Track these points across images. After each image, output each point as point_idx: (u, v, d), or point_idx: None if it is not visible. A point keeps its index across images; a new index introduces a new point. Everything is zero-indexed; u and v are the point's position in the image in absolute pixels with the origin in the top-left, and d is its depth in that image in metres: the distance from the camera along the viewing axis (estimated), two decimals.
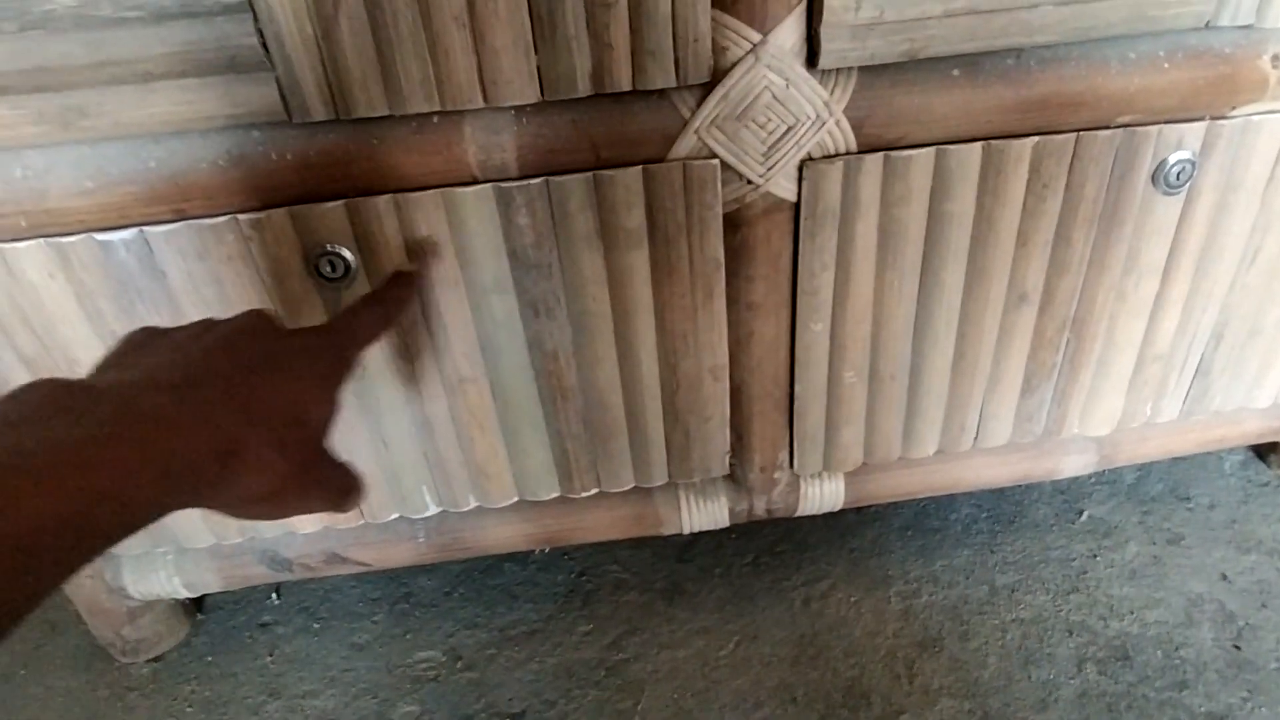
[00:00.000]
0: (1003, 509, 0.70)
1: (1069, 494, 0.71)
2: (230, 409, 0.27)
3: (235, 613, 0.67)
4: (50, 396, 0.24)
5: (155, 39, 0.40)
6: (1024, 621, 0.61)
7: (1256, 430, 0.65)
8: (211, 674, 0.63)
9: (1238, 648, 0.58)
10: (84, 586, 0.61)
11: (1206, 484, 0.71)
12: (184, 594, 0.62)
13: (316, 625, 0.65)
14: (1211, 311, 0.57)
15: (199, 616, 0.67)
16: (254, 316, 0.34)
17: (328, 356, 0.33)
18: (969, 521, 0.69)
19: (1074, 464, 0.64)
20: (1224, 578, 0.63)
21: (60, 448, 0.22)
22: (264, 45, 0.41)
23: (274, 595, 0.68)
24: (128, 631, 0.64)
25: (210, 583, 0.61)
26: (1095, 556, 0.65)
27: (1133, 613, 0.61)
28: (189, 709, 0.61)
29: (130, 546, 0.59)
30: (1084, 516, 0.69)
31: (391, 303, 0.40)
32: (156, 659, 0.65)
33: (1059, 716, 0.55)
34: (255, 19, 0.40)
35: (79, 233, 0.44)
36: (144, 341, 0.32)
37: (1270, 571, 0.63)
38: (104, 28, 0.39)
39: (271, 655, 0.64)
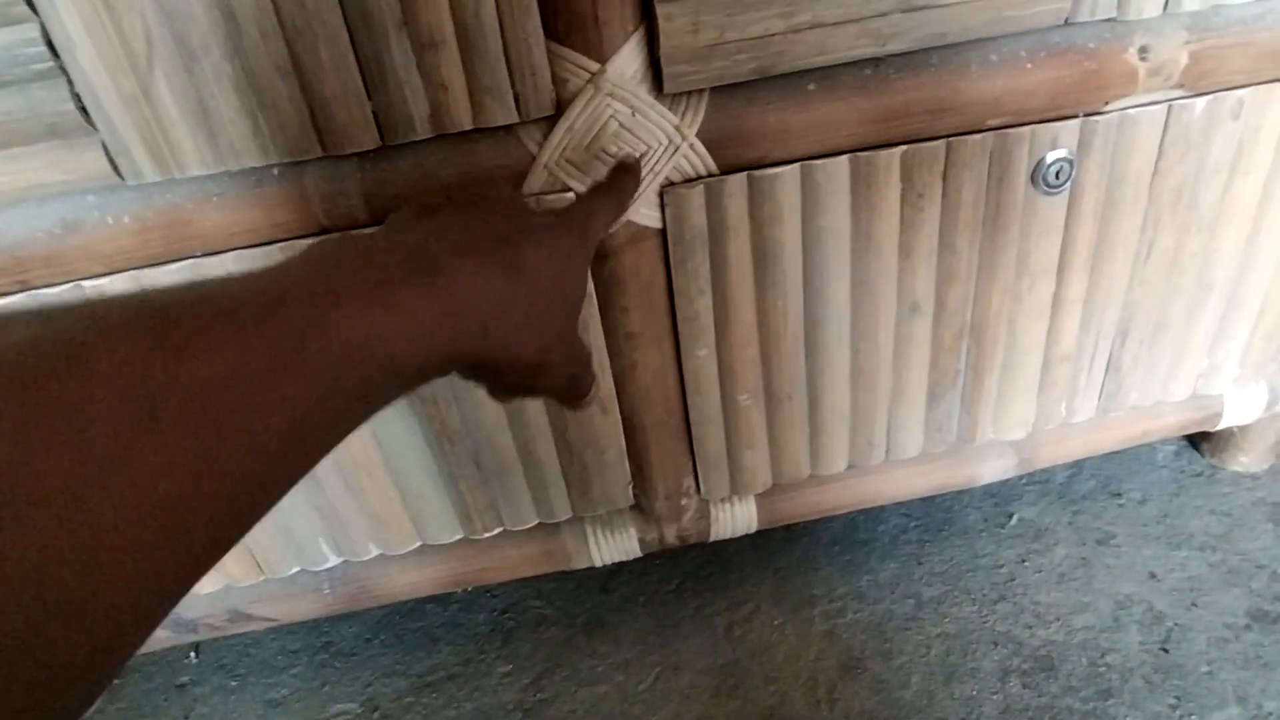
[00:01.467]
0: (932, 517, 0.68)
1: (999, 496, 0.69)
2: (504, 270, 0.28)
3: (152, 674, 0.65)
4: (341, 247, 0.26)
5: None
6: (949, 636, 0.59)
7: (1177, 423, 0.63)
8: None
9: (1165, 650, 0.57)
10: None
11: (1138, 478, 0.70)
12: None
13: (234, 683, 0.64)
14: (1113, 308, 0.56)
15: (114, 680, 0.66)
16: (509, 191, 0.37)
17: (575, 234, 0.34)
18: (898, 532, 0.68)
19: (993, 469, 0.62)
20: (1153, 576, 0.62)
21: (361, 283, 0.23)
22: (82, 109, 0.39)
23: (193, 654, 0.67)
24: None
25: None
26: (1024, 562, 0.64)
27: (1059, 619, 0.59)
28: None
29: None
30: (1014, 520, 0.68)
31: (621, 191, 0.42)
32: None
33: None
34: (69, 83, 0.39)
35: None
36: (416, 212, 0.33)
37: (1201, 567, 0.62)
38: None
39: (187, 718, 0.62)
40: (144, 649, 0.56)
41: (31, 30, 0.37)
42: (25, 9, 0.37)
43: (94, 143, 0.40)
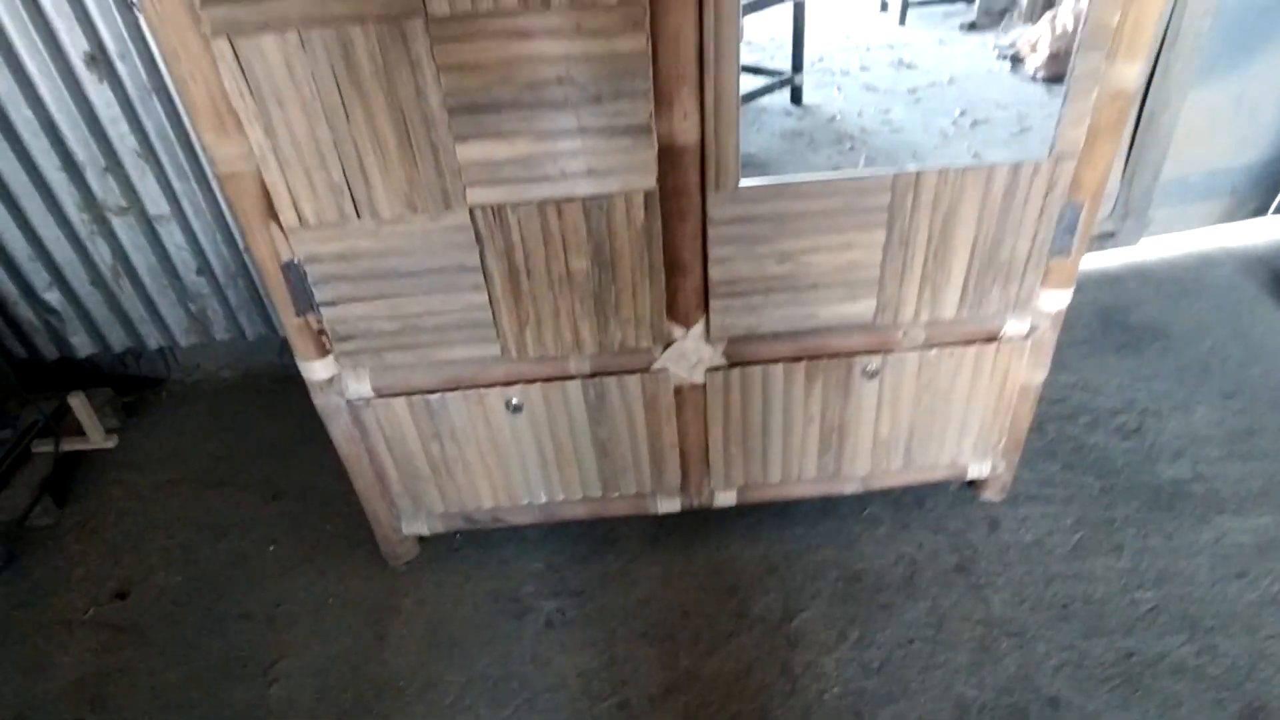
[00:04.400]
0: (826, 507, 1.37)
1: (862, 499, 1.38)
2: None
3: (441, 543, 1.38)
4: None
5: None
6: (823, 561, 1.29)
7: (944, 475, 1.31)
8: (441, 567, 1.35)
9: (911, 576, 1.25)
10: (382, 526, 1.32)
11: (936, 498, 1.37)
12: (426, 532, 1.33)
13: (482, 550, 1.36)
14: (904, 425, 1.23)
15: (424, 542, 1.39)
16: None
17: None
18: (804, 512, 1.37)
19: (850, 487, 1.31)
20: (920, 546, 1.30)
21: None
22: (498, 333, 1.08)
23: (458, 536, 1.39)
24: (398, 550, 1.35)
25: (439, 527, 1.32)
26: (864, 532, 1.33)
27: (874, 557, 1.28)
28: (432, 584, 1.33)
29: (407, 509, 1.30)
30: (866, 511, 1.36)
31: None
32: (409, 562, 1.36)
33: (820, 605, 1.23)
34: (494, 321, 1.07)
35: (414, 395, 1.13)
36: None
37: (942, 543, 1.30)
38: None
39: (463, 560, 1.35)
40: (448, 528, 1.35)
41: (482, 296, 1.06)
42: (480, 278, 1.05)
43: (497, 343, 1.09)
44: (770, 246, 1.02)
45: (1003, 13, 1.87)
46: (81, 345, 1.83)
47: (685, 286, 1.05)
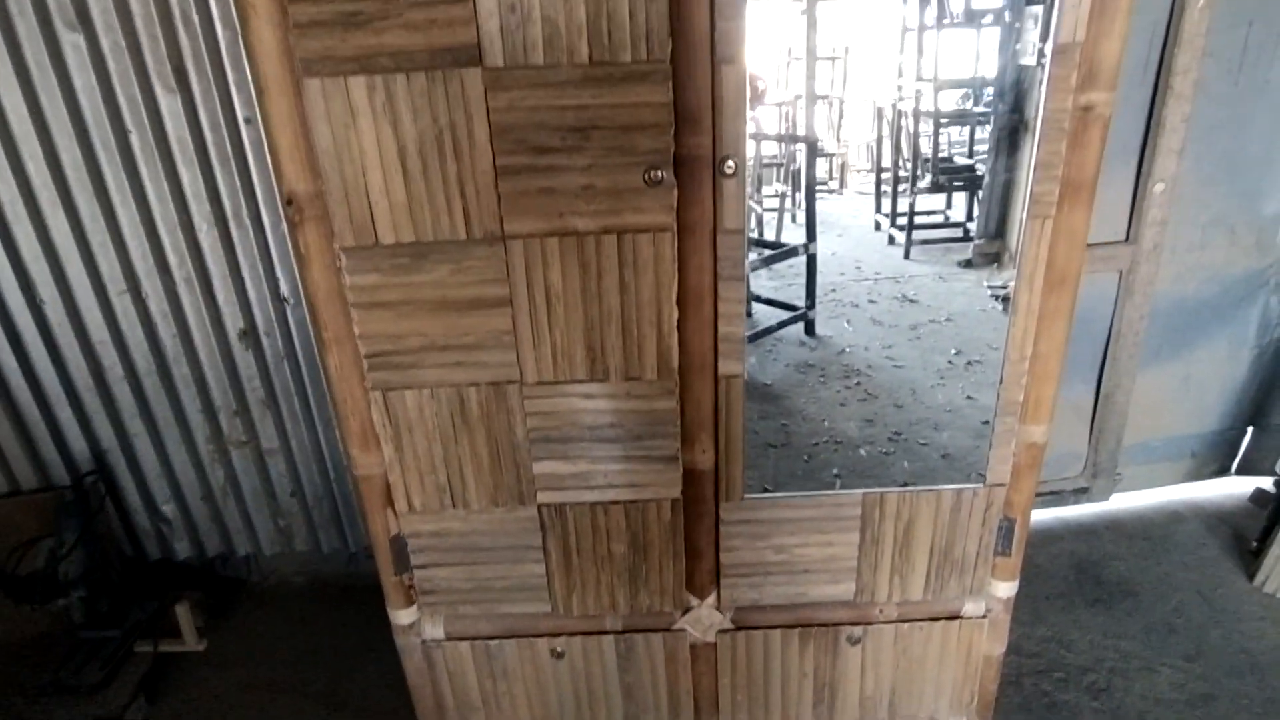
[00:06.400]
0: None
1: None
2: None
3: None
4: None
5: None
6: None
7: None
8: None
9: None
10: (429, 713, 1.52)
11: None
12: None
13: None
14: (886, 685, 1.44)
15: None
16: None
17: None
18: None
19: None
20: None
21: None
22: (550, 589, 1.35)
23: None
24: None
25: None
26: None
27: None
28: None
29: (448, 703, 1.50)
30: None
31: None
32: None
33: None
34: (549, 592, 1.34)
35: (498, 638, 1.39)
36: None
37: None
38: None
39: None
40: None
41: (540, 568, 1.34)
42: (541, 555, 1.33)
43: (549, 603, 1.36)
44: (769, 541, 1.30)
45: (996, 255, 2.25)
46: (182, 550, 2.12)
47: (701, 568, 1.32)
